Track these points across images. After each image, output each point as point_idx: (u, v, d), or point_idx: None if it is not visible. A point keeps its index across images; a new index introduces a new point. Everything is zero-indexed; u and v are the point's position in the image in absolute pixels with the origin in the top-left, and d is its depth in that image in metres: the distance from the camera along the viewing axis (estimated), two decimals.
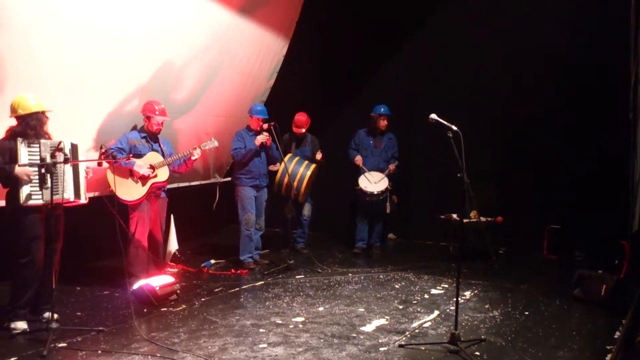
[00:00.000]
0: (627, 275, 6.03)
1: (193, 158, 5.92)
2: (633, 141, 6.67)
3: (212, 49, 6.69)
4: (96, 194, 5.78)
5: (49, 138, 4.59)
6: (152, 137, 5.80)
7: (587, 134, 7.30)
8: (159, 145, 5.85)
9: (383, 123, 7.54)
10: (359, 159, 7.54)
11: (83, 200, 4.77)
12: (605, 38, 7.10)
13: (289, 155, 7.15)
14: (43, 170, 4.39)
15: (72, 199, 4.62)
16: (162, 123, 5.79)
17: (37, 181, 4.43)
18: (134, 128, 5.87)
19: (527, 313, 5.19)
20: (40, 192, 4.44)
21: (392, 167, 7.52)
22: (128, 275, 5.50)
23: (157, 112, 5.71)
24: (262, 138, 6.57)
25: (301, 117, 7.39)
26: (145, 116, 5.73)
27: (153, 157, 5.76)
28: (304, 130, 7.40)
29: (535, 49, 7.57)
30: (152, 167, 5.71)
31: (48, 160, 4.39)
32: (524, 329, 4.76)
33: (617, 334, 4.61)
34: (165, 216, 6.02)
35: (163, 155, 5.81)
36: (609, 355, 4.13)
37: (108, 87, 5.70)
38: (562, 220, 7.42)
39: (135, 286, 5.38)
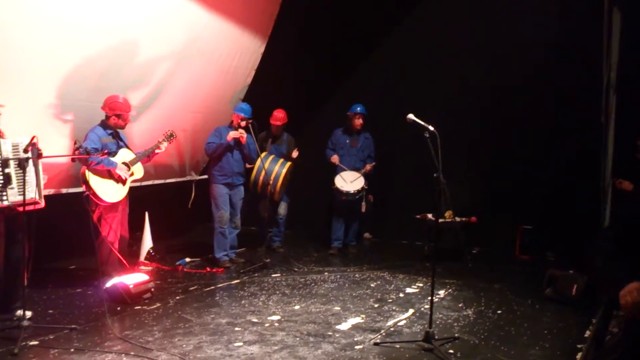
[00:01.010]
0: None
1: (158, 151, 5.92)
2: (604, 143, 6.81)
3: (187, 44, 6.60)
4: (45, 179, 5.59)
5: (1, 136, 4.45)
6: (115, 132, 5.73)
7: (561, 137, 7.42)
8: (122, 141, 5.80)
9: (358, 122, 7.57)
10: (335, 158, 7.55)
11: (42, 203, 4.65)
12: (580, 44, 7.23)
13: (264, 153, 7.15)
14: (8, 170, 4.24)
15: (37, 198, 4.49)
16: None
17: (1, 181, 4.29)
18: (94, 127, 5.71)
19: (499, 312, 5.26)
20: (4, 193, 4.29)
21: (368, 167, 7.55)
22: (101, 274, 5.45)
23: (128, 109, 5.67)
24: (234, 134, 6.55)
25: (279, 113, 7.42)
26: (114, 114, 5.62)
27: (125, 155, 5.69)
28: (280, 124, 7.40)
29: (512, 53, 7.65)
30: (127, 165, 5.65)
31: (11, 158, 4.25)
32: (497, 327, 4.82)
33: (588, 332, 4.70)
34: (128, 213, 5.96)
35: (130, 150, 5.77)
36: (580, 354, 4.20)
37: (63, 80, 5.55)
38: (535, 220, 7.54)
39: (109, 284, 5.31)
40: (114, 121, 5.65)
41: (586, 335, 4.62)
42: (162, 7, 6.02)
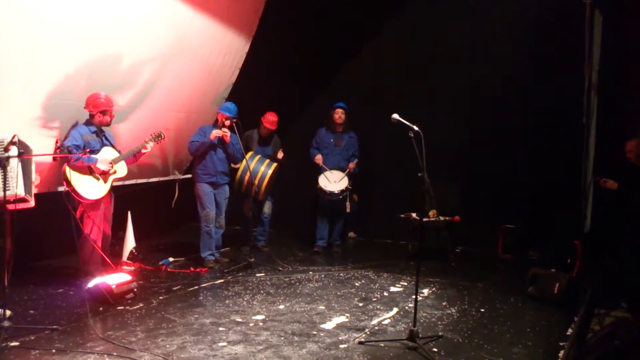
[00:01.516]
0: (579, 273, 6.22)
1: (144, 151, 5.86)
2: (586, 144, 6.89)
3: (172, 44, 6.55)
4: (37, 180, 5.52)
5: None
6: (99, 130, 5.68)
7: (543, 137, 7.50)
8: (107, 139, 5.75)
9: (337, 115, 7.56)
10: (319, 158, 7.56)
11: (32, 202, 4.60)
12: (562, 45, 7.31)
13: (250, 153, 7.13)
14: None
15: (22, 195, 4.45)
16: None
17: None
18: (76, 124, 5.67)
19: (483, 310, 5.29)
20: None
21: (352, 165, 7.56)
22: (83, 274, 5.40)
23: (111, 104, 5.64)
24: (217, 132, 6.53)
25: (273, 117, 7.41)
26: (98, 112, 5.58)
27: (108, 153, 5.65)
28: (274, 129, 7.41)
29: (495, 55, 7.73)
30: (110, 164, 5.60)
31: None
32: (480, 325, 4.86)
33: (570, 330, 4.75)
34: (112, 212, 5.92)
35: (114, 149, 5.72)
36: (562, 352, 4.25)
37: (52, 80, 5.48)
38: (517, 220, 7.60)
39: (91, 284, 5.25)
40: (99, 119, 5.61)
41: (568, 334, 4.67)
42: (145, 8, 5.94)
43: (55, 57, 5.26)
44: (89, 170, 5.47)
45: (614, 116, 7.02)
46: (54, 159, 5.09)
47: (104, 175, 5.56)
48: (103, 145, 5.66)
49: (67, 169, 5.35)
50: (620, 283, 5.91)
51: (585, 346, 4.48)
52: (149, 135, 6.05)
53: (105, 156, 5.59)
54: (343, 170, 7.52)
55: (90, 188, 5.46)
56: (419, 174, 4.42)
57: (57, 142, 5.26)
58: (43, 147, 5.45)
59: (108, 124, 5.72)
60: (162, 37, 6.37)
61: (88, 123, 5.64)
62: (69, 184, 5.34)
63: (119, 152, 5.79)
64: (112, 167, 5.59)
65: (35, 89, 5.29)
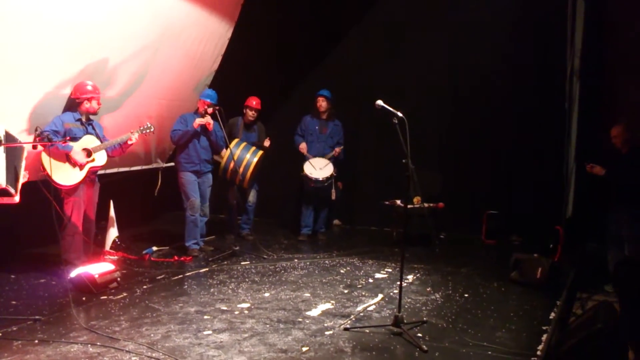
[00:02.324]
0: (561, 258, 6.32)
1: (130, 142, 5.79)
2: (568, 130, 6.95)
3: (156, 35, 6.46)
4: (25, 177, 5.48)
5: None
6: (86, 119, 5.61)
7: (525, 123, 7.54)
8: (93, 128, 5.67)
9: (323, 104, 7.55)
10: (303, 147, 7.53)
11: (17, 197, 4.52)
12: (545, 31, 7.34)
13: (235, 141, 7.07)
14: None
15: (4, 185, 4.37)
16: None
17: None
18: (66, 110, 5.63)
19: (466, 295, 5.34)
20: None
21: (337, 150, 7.55)
22: (64, 263, 5.35)
23: (97, 91, 5.57)
24: (200, 121, 6.47)
25: (256, 99, 7.36)
26: (85, 98, 5.52)
27: (89, 141, 5.57)
28: (258, 107, 7.33)
29: (478, 41, 7.74)
30: (88, 151, 5.52)
31: None
32: (464, 310, 4.90)
33: (553, 314, 4.80)
34: (97, 201, 5.86)
35: (98, 138, 5.64)
36: (545, 335, 4.29)
37: (39, 70, 5.40)
38: (500, 206, 7.66)
39: (73, 274, 5.20)
40: (85, 106, 5.55)
41: (551, 317, 4.72)
42: (127, 3, 5.85)
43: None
44: (65, 157, 5.40)
45: (596, 102, 7.08)
46: (34, 147, 5.00)
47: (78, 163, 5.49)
48: (87, 133, 5.58)
49: (43, 155, 5.30)
50: (602, 268, 6.00)
51: (568, 330, 4.55)
52: (133, 125, 5.96)
53: (85, 144, 5.51)
54: (327, 157, 7.49)
55: (64, 174, 5.41)
56: (403, 161, 4.41)
57: (36, 130, 5.17)
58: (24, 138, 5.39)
59: (95, 113, 5.66)
60: (147, 30, 6.27)
61: (73, 110, 5.58)
62: (44, 169, 5.30)
63: (102, 141, 5.70)
64: (89, 155, 5.51)
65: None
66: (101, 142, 5.67)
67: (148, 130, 5.95)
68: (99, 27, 5.63)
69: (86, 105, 5.56)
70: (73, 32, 5.38)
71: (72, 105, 5.64)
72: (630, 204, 5.80)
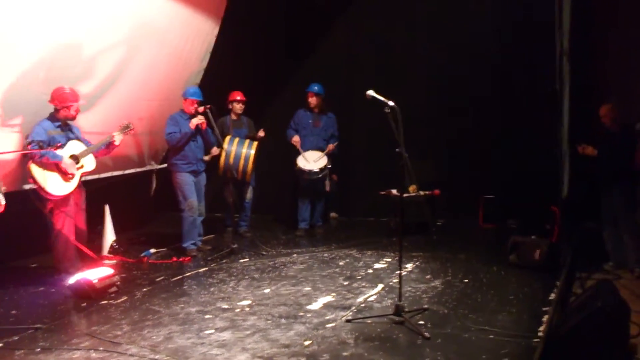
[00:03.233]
0: (558, 239, 6.32)
1: (116, 143, 5.76)
2: (560, 111, 6.94)
3: (135, 30, 6.39)
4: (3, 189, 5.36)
5: None
6: (64, 124, 5.55)
7: (518, 106, 7.54)
8: (72, 132, 5.62)
9: (312, 100, 7.54)
10: (296, 139, 7.52)
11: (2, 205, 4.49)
12: (533, 12, 7.32)
13: (228, 138, 7.06)
14: None
15: None
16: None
17: None
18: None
19: (466, 281, 5.35)
20: None
21: (331, 146, 7.54)
22: (57, 272, 5.33)
23: (77, 98, 5.51)
24: (197, 121, 6.45)
25: (238, 92, 7.40)
26: (63, 106, 5.44)
27: (74, 147, 5.53)
28: (244, 99, 7.36)
29: (469, 27, 7.72)
30: (76, 158, 5.48)
31: None
32: (464, 296, 4.91)
33: (553, 295, 4.81)
34: (85, 207, 5.81)
35: (81, 142, 5.61)
36: (546, 316, 4.31)
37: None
38: (496, 190, 7.67)
39: (72, 280, 5.17)
40: (64, 113, 5.48)
41: (551, 298, 4.73)
42: None
43: (9, 54, 5.07)
44: (55, 167, 5.35)
45: (586, 82, 7.09)
46: (24, 155, 4.97)
47: (70, 173, 5.45)
48: (69, 139, 5.53)
49: (32, 166, 5.23)
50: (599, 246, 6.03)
51: (569, 310, 4.56)
52: (118, 125, 5.92)
53: (71, 151, 5.46)
54: (322, 151, 7.49)
55: (57, 184, 5.35)
56: (397, 150, 4.41)
57: (26, 138, 5.14)
58: (4, 145, 5.31)
59: (73, 118, 5.59)
60: (124, 23, 6.20)
61: (52, 118, 5.49)
62: (35, 181, 5.23)
63: (87, 144, 5.67)
64: (77, 165, 5.48)
65: None
66: (85, 146, 5.63)
67: (127, 130, 5.90)
68: (72, 20, 5.51)
69: (64, 112, 5.48)
70: (43, 26, 5.25)
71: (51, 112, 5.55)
72: (622, 181, 5.82)
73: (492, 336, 3.98)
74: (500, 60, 7.63)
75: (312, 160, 7.39)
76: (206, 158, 6.77)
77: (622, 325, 4.04)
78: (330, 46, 8.62)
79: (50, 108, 5.50)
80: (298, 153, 7.46)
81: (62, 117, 5.50)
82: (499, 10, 7.59)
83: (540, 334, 3.98)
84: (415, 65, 8.02)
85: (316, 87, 7.56)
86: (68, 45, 5.65)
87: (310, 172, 7.33)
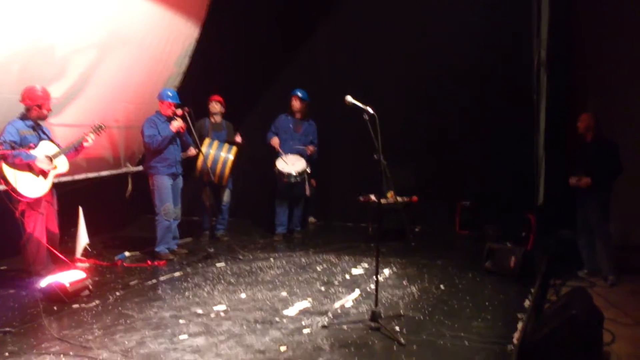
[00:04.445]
0: (533, 246, 6.40)
1: (86, 144, 5.67)
2: (537, 120, 7.04)
3: (110, 32, 6.31)
4: None
5: None
6: (36, 124, 5.44)
7: (495, 114, 7.59)
8: (44, 133, 5.52)
9: (296, 103, 7.52)
10: (275, 141, 7.50)
11: None
12: (511, 22, 7.40)
13: (207, 140, 7.00)
14: None
15: None
16: None
17: None
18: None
19: (442, 287, 5.36)
20: None
21: (311, 147, 7.53)
22: (28, 275, 5.22)
23: (48, 97, 5.40)
24: (177, 124, 6.38)
25: (217, 96, 7.38)
26: (35, 105, 5.34)
27: (47, 148, 5.43)
28: (222, 100, 7.35)
29: (446, 34, 7.75)
30: (50, 159, 5.38)
31: None
32: (440, 302, 4.92)
33: (527, 302, 4.84)
34: (57, 209, 5.70)
35: (53, 142, 5.51)
36: (520, 323, 4.33)
37: None
38: (472, 197, 7.72)
39: (43, 283, 5.07)
40: (36, 112, 5.37)
41: (526, 305, 4.76)
42: None
43: None
44: (28, 167, 5.23)
45: (562, 92, 7.19)
46: None
47: (44, 172, 5.35)
48: (40, 139, 5.42)
49: (4, 167, 5.11)
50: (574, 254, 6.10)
51: (543, 317, 4.60)
52: (90, 126, 5.83)
53: (44, 151, 5.37)
54: (300, 155, 7.47)
55: (30, 186, 5.24)
56: (375, 156, 4.41)
57: None
58: None
59: (45, 118, 5.48)
60: (99, 25, 6.12)
61: (24, 117, 5.38)
62: (7, 182, 5.11)
63: (58, 146, 5.57)
64: (52, 163, 5.38)
65: None
66: (58, 147, 5.54)
67: (100, 130, 5.81)
68: (46, 19, 5.44)
69: (36, 111, 5.37)
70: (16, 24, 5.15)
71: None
72: (596, 191, 5.91)
73: (467, 342, 3.99)
74: (478, 68, 7.68)
75: (291, 164, 7.37)
76: (182, 155, 6.71)
77: (596, 332, 4.10)
78: (312, 51, 8.61)
79: (21, 109, 5.38)
80: (277, 156, 7.43)
81: (34, 117, 5.38)
82: (478, 18, 7.64)
83: (514, 340, 4.00)
84: (393, 72, 8.04)
85: (300, 93, 7.54)
86: (43, 44, 5.57)
87: (289, 176, 7.30)
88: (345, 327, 4.33)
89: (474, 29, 7.67)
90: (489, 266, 5.80)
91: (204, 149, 6.76)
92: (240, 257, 6.60)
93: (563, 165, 6.10)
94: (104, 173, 7.43)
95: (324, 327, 4.34)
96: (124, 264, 6.34)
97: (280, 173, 7.32)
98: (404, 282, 5.51)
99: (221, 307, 4.84)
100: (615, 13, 7.13)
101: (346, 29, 8.39)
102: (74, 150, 5.66)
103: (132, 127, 7.26)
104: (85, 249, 6.43)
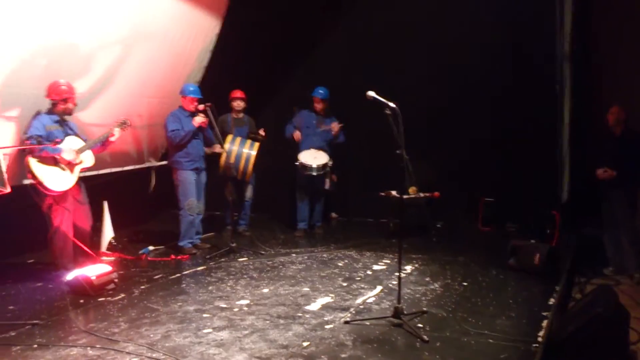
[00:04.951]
0: (558, 243, 6.32)
1: (112, 139, 5.73)
2: (560, 114, 6.94)
3: (134, 28, 6.36)
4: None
5: None
6: (62, 120, 5.52)
7: (519, 109, 7.51)
8: (70, 129, 5.59)
9: (318, 106, 7.55)
10: (297, 134, 7.52)
11: (7, 189, 4.48)
12: (534, 14, 7.30)
13: (230, 136, 7.04)
14: None
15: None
16: None
17: None
18: (38, 114, 5.46)
19: (465, 284, 5.33)
20: None
21: (336, 126, 7.52)
22: (55, 268, 5.31)
23: (73, 92, 5.47)
24: (200, 120, 6.43)
25: (239, 91, 7.43)
26: (60, 99, 5.41)
27: (73, 142, 5.50)
28: (244, 96, 7.39)
29: (469, 28, 7.68)
30: (76, 152, 5.46)
31: None
32: (463, 299, 4.89)
33: (552, 300, 4.80)
34: (87, 202, 5.78)
35: (79, 137, 5.59)
36: (545, 321, 4.29)
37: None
38: (496, 193, 7.65)
39: (70, 277, 5.16)
40: (62, 107, 5.45)
41: (550, 303, 4.72)
42: None
43: (9, 42, 5.04)
44: (54, 161, 5.31)
45: (587, 85, 7.08)
46: (23, 150, 4.94)
47: (70, 165, 5.42)
48: (67, 134, 5.50)
49: (31, 161, 5.20)
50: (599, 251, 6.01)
51: (568, 315, 4.55)
52: (115, 121, 5.90)
53: (69, 145, 5.44)
54: (323, 151, 7.48)
55: (56, 179, 5.32)
56: (397, 151, 4.39)
57: (24, 133, 5.11)
58: (1, 137, 5.28)
59: (71, 113, 5.56)
60: (122, 22, 6.17)
61: (50, 112, 5.46)
62: (34, 176, 5.20)
63: (84, 140, 5.64)
64: (77, 156, 5.45)
65: None
66: (84, 142, 5.61)
67: (124, 126, 5.87)
68: (72, 16, 5.50)
69: (62, 106, 5.45)
70: (43, 20, 5.21)
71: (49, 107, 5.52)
72: (623, 186, 5.82)
73: (491, 340, 3.97)
74: (501, 63, 7.60)
75: (313, 157, 7.40)
76: (206, 150, 6.76)
77: (622, 331, 4.04)
78: (332, 45, 8.59)
79: (46, 103, 5.46)
80: (298, 150, 7.45)
81: (60, 112, 5.47)
82: (500, 11, 7.54)
83: (539, 339, 3.97)
84: (415, 66, 7.98)
85: (322, 91, 7.54)
86: (69, 41, 5.63)
87: (311, 168, 7.32)
88: (367, 323, 4.34)
89: (497, 23, 7.58)
90: (513, 263, 5.74)
91: (226, 145, 6.80)
92: (262, 252, 6.64)
93: (587, 161, 6.01)
94: (128, 168, 7.52)
95: (346, 322, 4.35)
96: (148, 258, 6.41)
97: (302, 165, 7.34)
98: (427, 279, 5.49)
99: (244, 302, 4.88)
100: (636, 4, 6.99)
101: (367, 23, 8.36)
102: (100, 145, 5.73)
103: (155, 123, 7.33)
104: (110, 243, 6.53)
